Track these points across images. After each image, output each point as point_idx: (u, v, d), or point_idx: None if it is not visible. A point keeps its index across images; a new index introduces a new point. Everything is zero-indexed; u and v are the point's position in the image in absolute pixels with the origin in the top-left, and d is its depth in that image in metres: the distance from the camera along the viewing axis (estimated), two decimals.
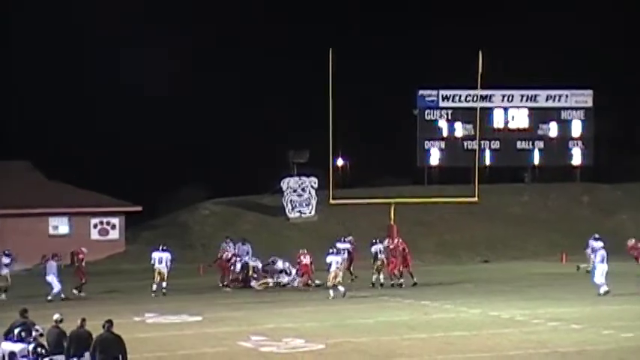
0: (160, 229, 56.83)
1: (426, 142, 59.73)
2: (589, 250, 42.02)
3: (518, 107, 60.68)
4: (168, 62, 69.85)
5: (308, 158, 56.57)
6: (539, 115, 60.53)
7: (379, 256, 40.16)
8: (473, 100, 56.37)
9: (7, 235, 50.14)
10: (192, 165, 67.09)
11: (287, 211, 56.42)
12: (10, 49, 68.38)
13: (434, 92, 59.70)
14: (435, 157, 59.86)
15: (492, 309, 32.61)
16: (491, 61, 49.29)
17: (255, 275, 40.87)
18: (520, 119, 60.60)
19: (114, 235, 53.31)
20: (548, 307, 33.02)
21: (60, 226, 52.70)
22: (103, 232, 53.23)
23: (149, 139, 68.20)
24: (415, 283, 39.62)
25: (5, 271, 38.46)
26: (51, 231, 52.38)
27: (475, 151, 52.86)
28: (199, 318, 31.72)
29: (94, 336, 20.30)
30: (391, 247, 40.45)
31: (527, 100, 60.76)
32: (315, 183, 56.45)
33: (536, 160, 60.92)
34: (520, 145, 60.52)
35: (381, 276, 39.83)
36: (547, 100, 60.80)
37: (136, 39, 68.51)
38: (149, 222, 57.73)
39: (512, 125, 60.51)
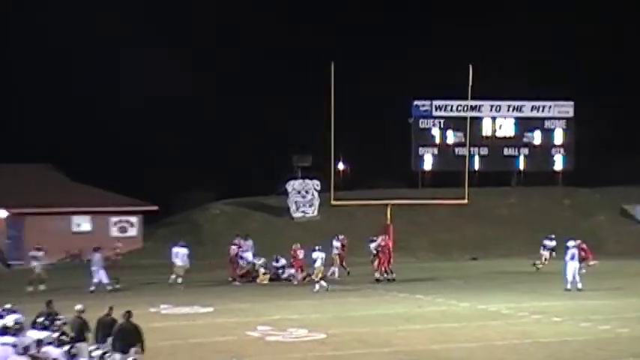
0: (174, 227, 56.81)
1: (420, 148, 59.71)
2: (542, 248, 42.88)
3: (505, 117, 60.65)
4: (180, 66, 69.90)
5: (311, 162, 56.61)
6: (525, 124, 60.52)
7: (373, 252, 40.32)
8: (463, 110, 56.35)
9: (32, 233, 50.16)
10: (204, 168, 67.06)
11: (291, 211, 56.43)
12: (30, 54, 68.22)
13: (427, 102, 59.67)
14: (428, 162, 59.83)
15: (480, 303, 32.63)
16: (481, 74, 49.35)
17: (263, 271, 40.88)
18: (507, 128, 60.58)
19: (132, 232, 53.30)
20: (531, 301, 33.05)
21: (82, 224, 52.69)
22: (122, 229, 53.23)
23: (165, 143, 68.18)
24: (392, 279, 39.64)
25: (34, 263, 38.49)
26: (74, 229, 52.36)
27: (465, 156, 52.68)
28: (210, 309, 31.73)
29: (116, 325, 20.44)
30: (382, 244, 40.48)
31: (513, 111, 60.74)
32: (317, 185, 56.46)
33: (522, 166, 60.89)
34: (507, 151, 60.49)
35: (377, 272, 39.89)
36: (532, 110, 60.78)
37: (154, 41, 68.43)
38: (164, 220, 57.73)
39: (499, 133, 60.48)
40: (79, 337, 20.51)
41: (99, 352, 18.04)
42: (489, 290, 36.56)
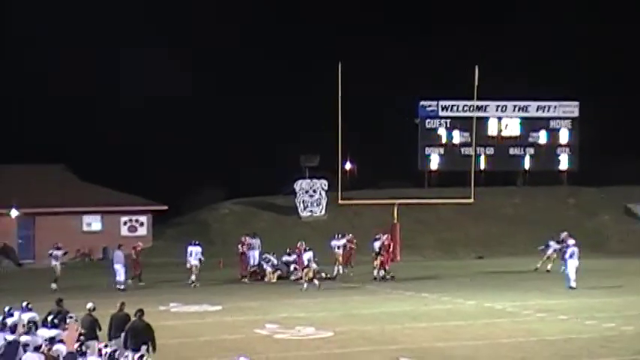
0: (183, 226, 56.90)
1: (426, 148, 59.67)
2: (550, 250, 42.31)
3: (511, 117, 60.58)
4: (189, 67, 70.00)
5: (319, 162, 56.67)
6: (530, 124, 60.42)
7: (376, 251, 40.36)
8: (470, 110, 56.30)
9: (44, 232, 50.31)
10: (213, 168, 67.11)
11: (299, 210, 56.48)
12: (41, 55, 68.25)
13: (434, 103, 59.63)
14: (434, 162, 59.79)
15: (486, 301, 32.64)
16: (487, 74, 49.38)
17: (271, 270, 40.91)
18: (513, 128, 60.48)
19: (142, 231, 53.36)
20: (537, 299, 33.05)
21: (93, 223, 52.80)
22: (132, 228, 53.31)
23: (173, 143, 68.22)
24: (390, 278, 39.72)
25: (54, 262, 38.57)
26: (84, 228, 52.46)
27: (471, 156, 52.95)
28: (219, 307, 31.80)
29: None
30: (386, 243, 40.53)
31: (519, 111, 60.66)
32: (325, 185, 56.51)
33: (527, 165, 60.79)
34: (512, 151, 60.39)
35: (381, 271, 39.92)
36: (537, 110, 60.69)
37: (157, 42, 68.47)
38: (173, 220, 57.80)
39: (505, 133, 60.38)
40: (90, 335, 20.60)
41: (108, 350, 18.11)
42: (495, 288, 36.55)
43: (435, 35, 72.33)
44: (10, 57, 68.46)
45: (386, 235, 41.23)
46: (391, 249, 41.41)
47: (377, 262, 40.11)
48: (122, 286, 37.25)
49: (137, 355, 18.27)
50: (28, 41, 67.00)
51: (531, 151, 60.44)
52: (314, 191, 56.80)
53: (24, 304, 22.55)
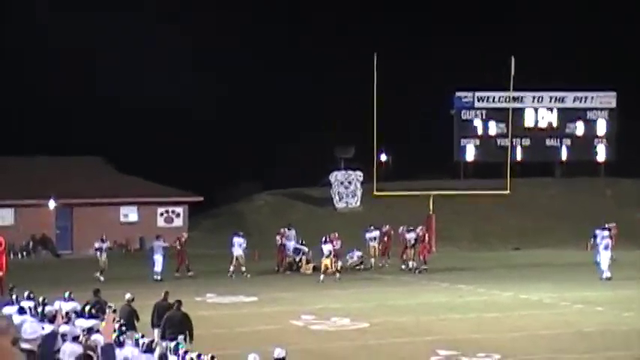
0: (219, 217, 57.12)
1: (462, 139, 59.46)
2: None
3: (547, 108, 60.22)
4: (229, 65, 70.21)
5: (354, 154, 56.63)
6: (567, 115, 60.02)
7: (411, 242, 40.24)
8: (505, 101, 55.99)
9: (82, 223, 50.72)
10: (249, 160, 67.29)
11: (335, 201, 56.52)
12: (81, 53, 68.77)
13: (470, 94, 59.39)
14: (470, 153, 59.56)
15: (523, 292, 32.48)
16: (523, 65, 49.03)
17: (306, 260, 40.94)
18: (549, 119, 60.14)
19: (178, 222, 53.60)
20: (573, 290, 32.84)
21: (130, 214, 53.12)
22: (169, 219, 53.57)
23: (211, 136, 68.48)
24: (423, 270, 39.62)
25: (99, 254, 38.67)
26: (122, 219, 52.79)
27: (507, 147, 52.64)
28: (255, 298, 31.88)
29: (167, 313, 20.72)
30: (420, 234, 40.43)
31: (555, 101, 60.27)
32: (360, 176, 56.51)
33: (564, 157, 60.42)
34: (549, 142, 60.03)
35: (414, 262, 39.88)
36: (574, 101, 60.27)
37: (185, 42, 68.79)
38: (209, 211, 58.02)
39: (541, 124, 60.03)
40: (129, 325, 20.74)
41: (146, 340, 18.21)
42: (531, 280, 36.35)
43: (470, 25, 71.99)
44: (57, 58, 69.12)
45: (420, 227, 41.14)
46: (426, 240, 41.28)
47: (410, 253, 40.07)
48: (159, 277, 37.45)
49: (173, 344, 18.38)
50: (77, 43, 67.63)
51: (568, 142, 60.03)
52: (349, 182, 56.80)
53: (66, 294, 22.71)
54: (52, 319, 20.08)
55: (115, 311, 20.90)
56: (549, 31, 71.26)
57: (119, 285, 31.22)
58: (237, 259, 38.93)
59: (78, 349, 17.96)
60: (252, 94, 71.61)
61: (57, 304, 21.79)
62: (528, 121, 59.67)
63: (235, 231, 41.33)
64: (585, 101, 60.22)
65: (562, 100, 60.18)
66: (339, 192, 56.71)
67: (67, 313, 20.35)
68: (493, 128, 59.03)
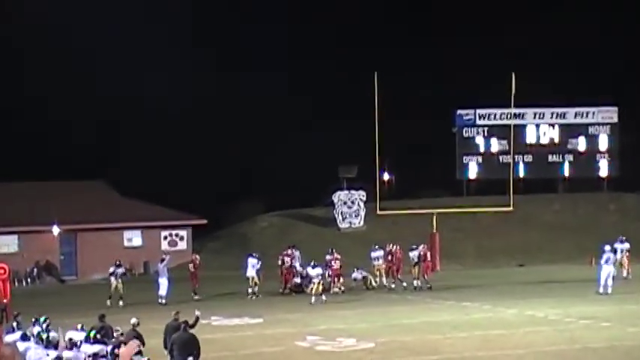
0: (223, 239, 57.13)
1: (464, 156, 59.47)
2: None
3: (548, 124, 60.26)
4: (228, 84, 70.40)
5: (356, 173, 56.66)
6: (569, 131, 60.05)
7: (414, 261, 40.25)
8: (507, 118, 56.09)
9: (86, 248, 50.76)
10: (252, 181, 67.35)
11: (338, 221, 56.52)
12: (79, 72, 68.98)
13: (471, 111, 59.45)
14: (473, 171, 59.57)
15: (528, 309, 32.42)
16: (523, 82, 49.13)
17: (317, 281, 40.77)
18: (551, 135, 60.16)
19: (182, 245, 53.65)
20: (579, 306, 32.78)
21: (134, 238, 53.16)
22: (173, 243, 53.62)
23: (213, 158, 68.57)
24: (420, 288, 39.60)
25: (114, 280, 38.17)
26: (125, 243, 52.81)
27: (510, 164, 52.70)
28: (260, 320, 31.83)
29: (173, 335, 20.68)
30: (422, 253, 40.38)
31: (557, 117, 60.30)
32: (363, 196, 56.53)
33: (567, 172, 60.41)
34: (551, 158, 60.03)
35: (418, 281, 39.86)
36: (575, 116, 60.29)
37: (188, 59, 68.96)
38: (213, 233, 58.03)
39: (543, 140, 60.03)
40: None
41: None
42: (536, 296, 36.29)
43: (470, 44, 72.16)
44: (58, 74, 69.28)
45: (422, 245, 41.12)
46: (429, 258, 41.16)
47: (415, 272, 40.07)
48: (163, 301, 37.33)
49: None
50: (79, 57, 67.87)
51: (570, 157, 60.03)
52: (352, 202, 56.83)
53: (78, 326, 22.60)
54: (56, 346, 20.09)
55: (122, 334, 20.90)
56: (550, 46, 71.40)
57: (124, 309, 31.21)
58: (252, 279, 38.90)
59: None
60: (253, 116, 71.67)
61: (69, 334, 21.64)
62: (530, 138, 59.69)
63: (250, 252, 41.19)
64: (587, 116, 60.25)
65: (563, 115, 60.22)
66: (342, 212, 56.73)
67: (70, 339, 20.34)
68: (495, 145, 59.06)
